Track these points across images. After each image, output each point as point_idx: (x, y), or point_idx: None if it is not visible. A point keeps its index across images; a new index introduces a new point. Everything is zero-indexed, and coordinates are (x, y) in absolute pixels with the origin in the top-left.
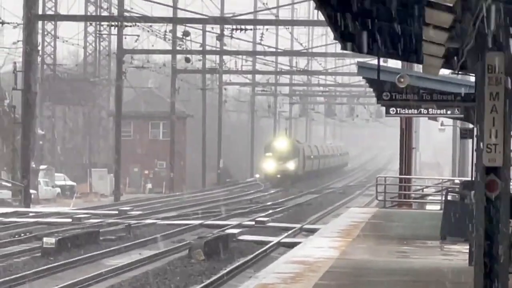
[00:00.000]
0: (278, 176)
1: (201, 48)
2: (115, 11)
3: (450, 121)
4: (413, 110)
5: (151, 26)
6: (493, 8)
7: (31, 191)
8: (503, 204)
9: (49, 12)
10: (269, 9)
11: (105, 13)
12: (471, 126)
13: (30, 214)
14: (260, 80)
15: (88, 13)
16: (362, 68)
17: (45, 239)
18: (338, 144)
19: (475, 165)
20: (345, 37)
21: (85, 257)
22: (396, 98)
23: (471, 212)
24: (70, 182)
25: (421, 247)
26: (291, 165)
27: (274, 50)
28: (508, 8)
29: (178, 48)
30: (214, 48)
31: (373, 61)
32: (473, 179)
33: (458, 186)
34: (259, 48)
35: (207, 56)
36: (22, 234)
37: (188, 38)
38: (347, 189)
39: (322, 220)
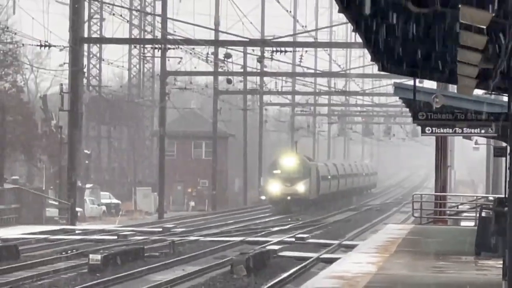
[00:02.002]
0: (288, 198)
1: (242, 70)
2: (158, 34)
3: (484, 140)
4: (448, 129)
5: (193, 48)
6: None
7: (78, 209)
8: None
9: (95, 35)
10: (308, 31)
11: (149, 36)
12: (504, 144)
13: (77, 232)
14: (299, 100)
15: (133, 36)
16: (399, 88)
17: (91, 256)
18: (364, 163)
19: (508, 183)
20: (381, 58)
21: (130, 273)
22: (431, 117)
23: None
24: (115, 200)
25: (456, 262)
26: (300, 188)
27: (313, 71)
28: None
29: (220, 69)
30: (254, 70)
31: (409, 81)
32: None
33: (492, 203)
34: (298, 69)
35: (248, 78)
36: (69, 251)
37: (229, 60)
38: (384, 206)
39: (360, 237)
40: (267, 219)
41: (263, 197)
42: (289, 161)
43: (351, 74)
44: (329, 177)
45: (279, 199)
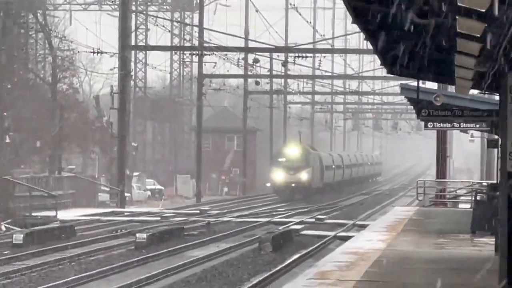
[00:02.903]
0: (293, 185)
1: (268, 73)
2: (196, 42)
3: (479, 133)
4: (447, 124)
5: (226, 54)
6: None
7: (126, 194)
8: None
9: (141, 43)
10: (325, 39)
11: (187, 44)
12: (496, 137)
13: (125, 214)
14: (318, 99)
15: (173, 44)
16: (404, 89)
17: (137, 235)
18: (369, 153)
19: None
20: (389, 63)
21: (171, 250)
22: (433, 114)
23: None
24: (158, 187)
25: (455, 239)
26: (303, 176)
27: (330, 74)
28: None
29: (249, 73)
30: (279, 73)
31: (414, 83)
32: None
33: (485, 188)
34: (317, 72)
35: (274, 80)
36: (118, 231)
37: (257, 64)
38: (392, 191)
39: (371, 217)
40: (289, 203)
41: (268, 184)
42: (293, 150)
43: (363, 77)
44: (333, 166)
45: (283, 187)
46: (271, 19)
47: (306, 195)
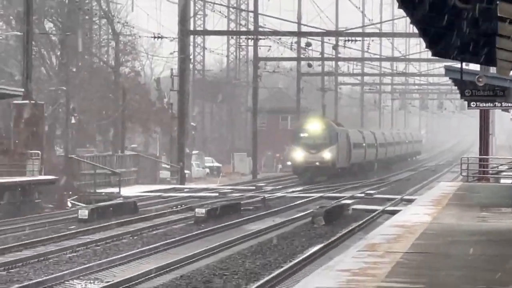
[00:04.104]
0: (317, 163)
1: (320, 56)
2: (251, 27)
3: None
4: (489, 103)
5: (280, 38)
6: None
7: (186, 171)
8: None
9: (199, 28)
10: (374, 24)
11: (243, 29)
12: None
13: (185, 190)
14: (367, 81)
15: (230, 29)
16: (449, 70)
17: (197, 210)
18: (408, 131)
19: None
20: (434, 45)
21: (229, 224)
22: (475, 94)
23: None
24: (216, 164)
25: (496, 213)
26: (326, 155)
27: (378, 57)
28: None
29: (302, 56)
30: (330, 56)
31: (457, 64)
32: None
33: None
34: (366, 55)
35: (325, 62)
36: (179, 206)
37: (310, 48)
38: (438, 167)
39: (418, 192)
40: (341, 178)
41: (289, 163)
42: (315, 126)
43: (410, 59)
44: (364, 144)
45: (304, 167)
46: (322, 4)
47: (329, 176)
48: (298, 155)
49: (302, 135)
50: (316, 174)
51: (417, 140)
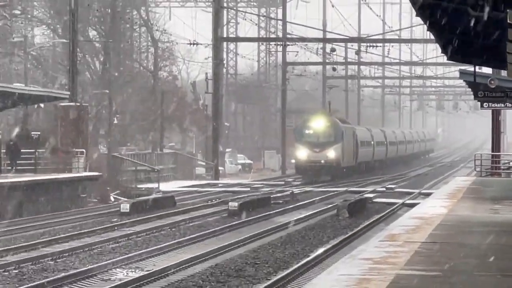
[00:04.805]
0: (322, 161)
1: (344, 60)
2: (280, 34)
3: None
4: (501, 104)
5: (306, 44)
6: None
7: (220, 168)
8: None
9: (231, 35)
10: (393, 31)
11: (273, 36)
12: None
13: (219, 185)
14: (387, 83)
15: (260, 36)
16: (463, 73)
17: (230, 203)
18: (420, 129)
19: None
20: (449, 50)
21: (260, 216)
22: (488, 95)
23: None
24: (248, 161)
25: (508, 205)
26: (331, 154)
27: (397, 61)
28: None
29: (327, 60)
30: (353, 60)
31: (471, 68)
32: None
33: None
34: (386, 59)
35: (349, 66)
36: (213, 200)
37: (334, 53)
38: (453, 163)
39: (435, 186)
40: (365, 173)
41: (293, 161)
42: (318, 123)
43: (427, 63)
44: (372, 143)
45: (307, 166)
46: (345, 13)
47: (334, 176)
48: (301, 153)
49: (305, 132)
50: (320, 173)
51: (429, 138)
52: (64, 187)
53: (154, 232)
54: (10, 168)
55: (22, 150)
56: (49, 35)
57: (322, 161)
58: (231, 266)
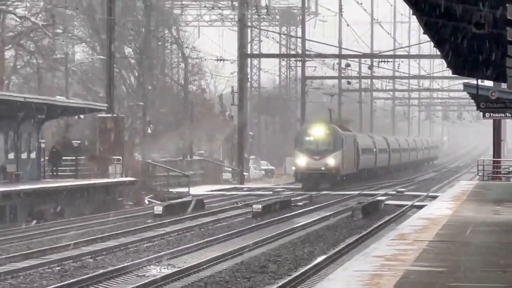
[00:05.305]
0: (322, 168)
1: (358, 75)
2: (299, 51)
3: None
4: (501, 114)
5: (324, 60)
6: None
7: (245, 173)
8: None
9: (255, 52)
10: (403, 47)
11: (293, 52)
12: None
13: (244, 189)
14: (398, 95)
15: (281, 52)
16: (467, 86)
17: (254, 206)
18: (424, 137)
19: None
20: (454, 65)
21: (281, 218)
22: (489, 106)
23: None
24: (271, 167)
25: (508, 207)
26: (330, 161)
27: (407, 75)
28: None
29: (342, 74)
30: (367, 74)
31: (474, 81)
32: None
33: None
34: (397, 74)
35: (362, 80)
36: (239, 203)
37: (349, 68)
38: (458, 168)
39: (441, 189)
40: (377, 178)
41: (293, 168)
42: (318, 131)
43: (434, 77)
44: (374, 150)
45: (307, 174)
46: (359, 31)
47: (333, 183)
48: (301, 161)
49: (305, 139)
50: (320, 181)
51: (433, 146)
52: (102, 192)
53: (185, 232)
54: (52, 173)
55: (63, 158)
56: (88, 52)
57: (322, 169)
58: (255, 263)
